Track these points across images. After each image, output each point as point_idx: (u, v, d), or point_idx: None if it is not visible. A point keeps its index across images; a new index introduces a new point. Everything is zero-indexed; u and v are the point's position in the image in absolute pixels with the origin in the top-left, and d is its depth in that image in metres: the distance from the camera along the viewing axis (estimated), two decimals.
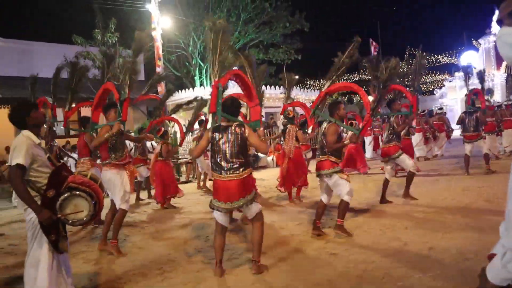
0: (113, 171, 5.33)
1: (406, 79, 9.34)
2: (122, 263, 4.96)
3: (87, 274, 4.64)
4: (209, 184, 11.06)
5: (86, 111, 8.34)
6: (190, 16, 22.84)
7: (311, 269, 4.29)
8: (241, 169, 4.15)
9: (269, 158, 15.18)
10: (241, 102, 5.20)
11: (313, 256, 4.74)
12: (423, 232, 5.30)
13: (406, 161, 7.16)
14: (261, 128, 5.43)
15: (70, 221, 3.48)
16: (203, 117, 10.05)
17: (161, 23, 17.43)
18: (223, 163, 4.16)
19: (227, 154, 4.14)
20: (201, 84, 24.22)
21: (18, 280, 4.53)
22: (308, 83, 39.32)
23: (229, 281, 4.15)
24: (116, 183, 5.29)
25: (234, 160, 4.14)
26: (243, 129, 4.19)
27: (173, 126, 14.50)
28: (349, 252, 4.77)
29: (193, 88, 21.01)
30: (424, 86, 41.04)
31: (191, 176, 13.70)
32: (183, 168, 14.29)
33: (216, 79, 4.42)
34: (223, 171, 4.16)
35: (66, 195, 3.39)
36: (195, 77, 25.26)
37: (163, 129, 8.78)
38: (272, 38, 25.74)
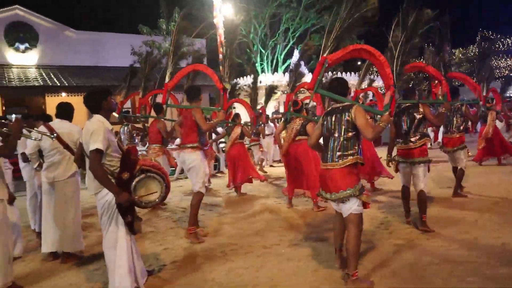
0: (198, 155, 5.28)
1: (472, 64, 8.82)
2: (187, 245, 5.13)
3: (153, 254, 4.84)
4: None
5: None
6: (251, 3, 22.86)
7: (374, 260, 4.19)
8: (339, 159, 3.64)
9: None
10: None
11: (376, 246, 4.64)
12: (495, 226, 5.01)
13: (462, 155, 6.74)
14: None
15: (143, 203, 3.64)
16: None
17: (223, 11, 17.57)
18: (325, 149, 3.78)
19: (337, 140, 3.67)
20: (262, 71, 24.27)
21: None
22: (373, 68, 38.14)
23: (291, 267, 4.16)
24: (200, 167, 5.24)
25: (341, 147, 3.65)
26: (347, 112, 3.64)
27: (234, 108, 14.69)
28: (414, 244, 4.62)
29: (254, 74, 21.06)
30: (498, 71, 38.44)
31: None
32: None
33: (325, 55, 4.08)
34: (325, 158, 3.75)
35: (141, 176, 3.56)
36: (256, 64, 25.34)
37: (233, 112, 8.84)
38: (334, 23, 25.09)
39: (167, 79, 5.75)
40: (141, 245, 4.84)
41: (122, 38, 18.25)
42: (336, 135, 3.67)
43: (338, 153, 3.63)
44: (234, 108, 14.26)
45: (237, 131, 8.34)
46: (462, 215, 5.66)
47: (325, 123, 3.80)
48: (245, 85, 10.24)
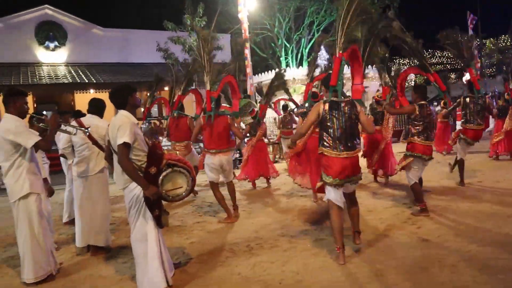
0: (231, 156, 6.10)
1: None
2: (213, 239, 5.19)
3: (180, 248, 4.91)
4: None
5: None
6: None
7: (402, 255, 4.14)
8: (356, 147, 4.17)
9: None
10: None
11: (403, 241, 4.57)
12: None
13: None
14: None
15: (170, 197, 3.70)
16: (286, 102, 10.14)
17: (248, 5, 17.56)
18: (339, 140, 4.09)
19: (344, 131, 4.09)
20: (287, 65, 24.17)
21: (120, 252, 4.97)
22: (397, 61, 37.50)
23: (317, 262, 4.15)
24: (231, 162, 6.11)
25: (350, 137, 4.12)
26: (355, 106, 4.18)
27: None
28: (443, 239, 4.53)
29: (279, 69, 21.01)
30: None
31: (277, 156, 13.83)
32: (270, 149, 14.47)
33: (341, 52, 4.25)
34: (340, 148, 4.08)
35: (168, 171, 3.62)
36: (281, 58, 25.25)
37: (255, 110, 8.97)
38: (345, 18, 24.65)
39: (208, 86, 6.01)
40: (168, 239, 4.90)
41: (148, 35, 18.48)
42: (350, 127, 4.12)
43: (354, 142, 4.15)
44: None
45: (263, 128, 8.65)
46: (494, 210, 5.53)
47: (331, 115, 4.11)
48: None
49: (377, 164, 7.75)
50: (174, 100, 8.43)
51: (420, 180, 5.80)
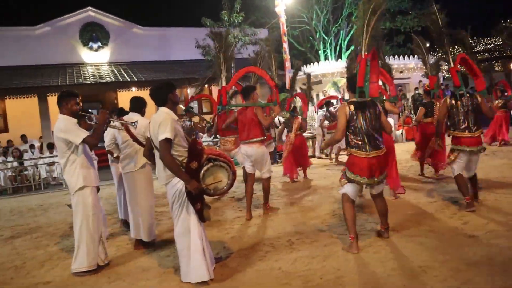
0: (264, 148, 5.98)
1: None
2: (253, 233, 5.22)
3: (221, 242, 4.97)
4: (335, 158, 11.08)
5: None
6: None
7: (447, 251, 4.01)
8: (382, 146, 4.26)
9: (398, 132, 14.50)
10: None
11: (449, 237, 4.42)
12: None
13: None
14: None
15: (211, 191, 3.76)
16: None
17: None
18: (367, 140, 4.19)
19: (370, 131, 4.20)
20: (326, 58, 23.86)
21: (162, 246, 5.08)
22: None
23: (358, 258, 4.09)
24: (267, 157, 6.01)
25: (376, 136, 4.22)
26: (376, 105, 4.30)
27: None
28: (491, 235, 4.34)
29: (317, 63, 20.82)
30: None
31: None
32: (309, 143, 14.36)
33: (366, 53, 4.38)
34: (368, 148, 4.19)
35: (209, 165, 3.68)
36: (319, 51, 24.96)
37: (292, 104, 9.00)
38: (400, 5, 24.05)
39: (223, 81, 6.08)
40: (209, 233, 4.97)
41: (186, 32, 18.74)
42: (376, 127, 4.23)
43: (380, 141, 4.25)
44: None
45: (297, 122, 8.59)
46: None
47: (357, 115, 4.20)
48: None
49: (429, 157, 7.53)
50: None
51: (474, 175, 5.55)
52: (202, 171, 3.65)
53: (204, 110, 19.90)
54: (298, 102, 10.53)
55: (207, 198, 3.99)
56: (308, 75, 9.87)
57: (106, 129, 4.56)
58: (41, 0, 29.71)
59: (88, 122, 4.53)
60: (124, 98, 16.48)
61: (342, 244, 4.51)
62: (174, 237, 3.83)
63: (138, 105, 5.26)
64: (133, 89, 16.12)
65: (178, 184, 3.65)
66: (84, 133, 4.16)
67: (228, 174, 3.77)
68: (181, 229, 3.71)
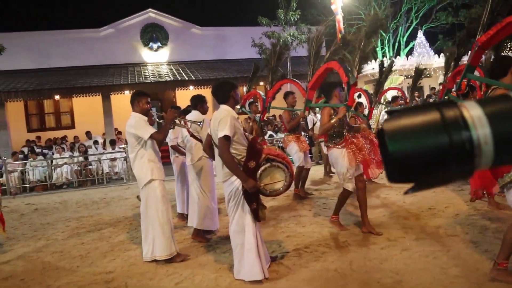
0: (337, 150, 5.18)
1: None
2: (309, 233, 5.16)
3: (276, 241, 4.97)
4: None
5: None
6: None
7: None
8: None
9: None
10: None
11: None
12: None
13: None
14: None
15: (268, 191, 3.77)
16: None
17: None
18: None
19: None
20: (383, 55, 23.23)
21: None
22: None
23: (418, 263, 3.94)
24: (338, 161, 5.14)
25: None
26: None
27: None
28: None
29: (375, 60, 20.31)
30: None
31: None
32: None
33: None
34: None
35: (266, 165, 3.68)
36: (377, 48, 24.33)
37: (356, 100, 8.80)
38: None
39: (309, 77, 6.03)
40: (264, 232, 4.99)
41: (243, 31, 18.92)
42: None
43: None
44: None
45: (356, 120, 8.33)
46: None
47: None
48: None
49: None
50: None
51: None
52: (259, 171, 3.66)
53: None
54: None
55: (262, 197, 4.00)
56: (381, 67, 9.45)
57: (173, 127, 4.80)
58: (105, 3, 31.16)
59: (156, 119, 4.76)
60: (182, 97, 16.94)
61: (400, 247, 4.37)
62: (229, 234, 3.88)
63: (195, 103, 5.56)
64: (191, 87, 16.50)
65: (235, 182, 3.69)
66: (152, 130, 4.41)
67: (285, 175, 3.75)
68: (236, 227, 3.76)
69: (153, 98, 19.08)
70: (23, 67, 16.93)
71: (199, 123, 4.87)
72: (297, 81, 7.62)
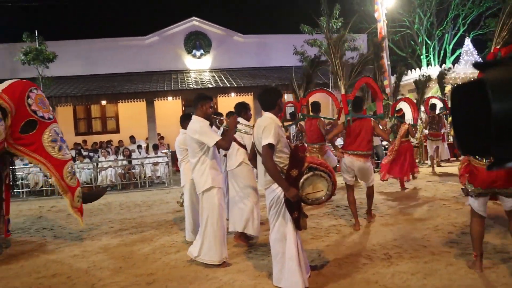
0: (370, 161, 5.87)
1: None
2: (349, 243, 5.10)
3: (316, 250, 4.92)
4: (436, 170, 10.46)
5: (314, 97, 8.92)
6: None
7: None
8: None
9: None
10: None
11: None
12: None
13: None
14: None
15: (310, 200, 3.75)
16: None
17: (385, 3, 16.87)
18: None
19: None
20: (428, 64, 22.64)
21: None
22: None
23: (464, 279, 3.80)
24: (371, 170, 5.90)
25: None
26: None
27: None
28: None
29: (419, 68, 19.84)
30: None
31: (416, 160, 13.05)
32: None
33: (497, 47, 3.96)
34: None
35: (309, 174, 3.66)
36: (421, 57, 23.76)
37: (403, 110, 8.75)
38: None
39: (342, 90, 6.07)
40: (304, 241, 4.95)
41: (284, 39, 18.95)
42: None
43: None
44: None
45: (403, 128, 8.31)
46: None
47: None
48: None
49: None
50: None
51: None
52: (302, 180, 3.64)
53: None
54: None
55: (303, 205, 3.98)
56: (426, 78, 9.54)
57: (235, 133, 4.79)
58: (151, 12, 32.09)
59: (219, 125, 4.83)
60: (223, 104, 17.13)
61: (445, 262, 4.22)
62: (270, 242, 3.87)
63: (239, 110, 5.58)
64: (232, 94, 16.67)
65: (277, 190, 3.68)
66: (217, 136, 4.42)
67: (328, 185, 3.71)
68: (277, 235, 3.74)
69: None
70: (73, 74, 17.66)
71: (250, 128, 4.81)
72: (331, 91, 7.61)
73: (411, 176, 8.83)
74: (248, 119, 5.51)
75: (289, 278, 3.64)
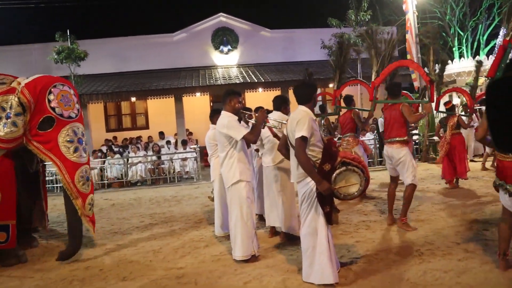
0: (406, 149, 5.39)
1: None
2: (379, 239, 5.01)
3: (345, 246, 4.86)
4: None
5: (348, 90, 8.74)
6: None
7: None
8: None
9: None
10: None
11: None
12: None
13: None
14: None
15: (342, 195, 3.71)
16: None
17: None
18: None
19: None
20: (461, 56, 22.00)
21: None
22: None
23: (499, 279, 3.67)
24: (408, 160, 5.31)
25: None
26: None
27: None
28: None
29: (451, 61, 19.31)
30: None
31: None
32: None
33: (507, 38, 3.83)
34: None
35: (342, 169, 3.63)
36: (454, 48, 23.11)
37: (452, 102, 8.54)
38: None
39: (373, 77, 5.91)
40: (333, 236, 4.90)
41: (312, 33, 18.80)
42: None
43: None
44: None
45: (453, 120, 8.07)
46: None
47: None
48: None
49: None
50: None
51: None
52: (334, 174, 3.61)
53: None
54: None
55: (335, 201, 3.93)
56: (479, 63, 9.22)
57: (263, 127, 4.80)
58: (178, 9, 32.38)
59: (247, 120, 4.82)
60: (251, 99, 17.15)
61: (479, 261, 4.09)
62: (300, 236, 3.85)
63: (278, 104, 5.44)
64: (260, 89, 16.66)
65: (310, 183, 3.66)
66: (244, 130, 4.44)
67: (360, 180, 3.67)
68: (308, 229, 3.72)
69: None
70: (104, 71, 18.04)
71: (284, 123, 4.67)
72: (366, 82, 7.48)
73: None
74: (287, 114, 5.32)
75: (320, 272, 3.61)
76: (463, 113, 8.87)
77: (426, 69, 9.56)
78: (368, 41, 6.07)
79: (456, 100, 14.07)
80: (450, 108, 8.31)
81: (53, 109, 5.12)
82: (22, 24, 26.37)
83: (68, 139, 5.13)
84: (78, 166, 5.14)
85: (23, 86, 5.05)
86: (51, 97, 5.14)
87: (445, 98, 9.53)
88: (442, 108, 8.74)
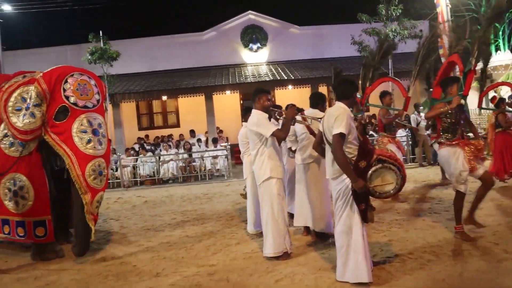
0: (447, 149, 4.82)
1: None
2: (412, 238, 4.89)
3: (378, 245, 4.79)
4: None
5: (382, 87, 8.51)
6: None
7: None
8: None
9: None
10: None
11: None
12: None
13: None
14: None
15: (377, 193, 3.66)
16: None
17: None
18: None
19: None
20: (497, 49, 21.26)
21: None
22: None
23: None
24: (450, 162, 4.75)
25: None
26: None
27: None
28: None
29: None
30: None
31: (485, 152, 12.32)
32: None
33: None
34: None
35: (377, 166, 3.59)
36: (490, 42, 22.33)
37: (497, 97, 8.24)
38: None
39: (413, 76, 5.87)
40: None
41: (341, 29, 18.57)
42: None
43: None
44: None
45: (492, 117, 7.82)
46: None
47: None
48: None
49: None
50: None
51: None
52: (370, 172, 3.57)
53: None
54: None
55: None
56: None
57: (293, 124, 4.80)
58: (207, 8, 32.62)
59: (277, 117, 4.82)
60: (281, 96, 17.11)
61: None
62: (334, 234, 3.82)
63: (316, 101, 5.38)
64: (290, 87, 16.61)
65: (346, 180, 3.64)
66: (274, 127, 4.48)
67: (397, 178, 3.61)
68: (343, 227, 3.68)
69: None
70: (135, 71, 18.39)
71: (319, 120, 4.55)
72: (398, 79, 7.34)
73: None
74: (323, 111, 5.14)
75: (355, 271, 3.58)
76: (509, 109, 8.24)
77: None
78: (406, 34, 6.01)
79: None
80: (496, 104, 7.84)
81: (67, 98, 4.98)
82: (56, 27, 27.18)
83: (82, 129, 4.96)
84: (91, 159, 4.92)
85: (41, 76, 5.05)
86: (67, 86, 5.04)
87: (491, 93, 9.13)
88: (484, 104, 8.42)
